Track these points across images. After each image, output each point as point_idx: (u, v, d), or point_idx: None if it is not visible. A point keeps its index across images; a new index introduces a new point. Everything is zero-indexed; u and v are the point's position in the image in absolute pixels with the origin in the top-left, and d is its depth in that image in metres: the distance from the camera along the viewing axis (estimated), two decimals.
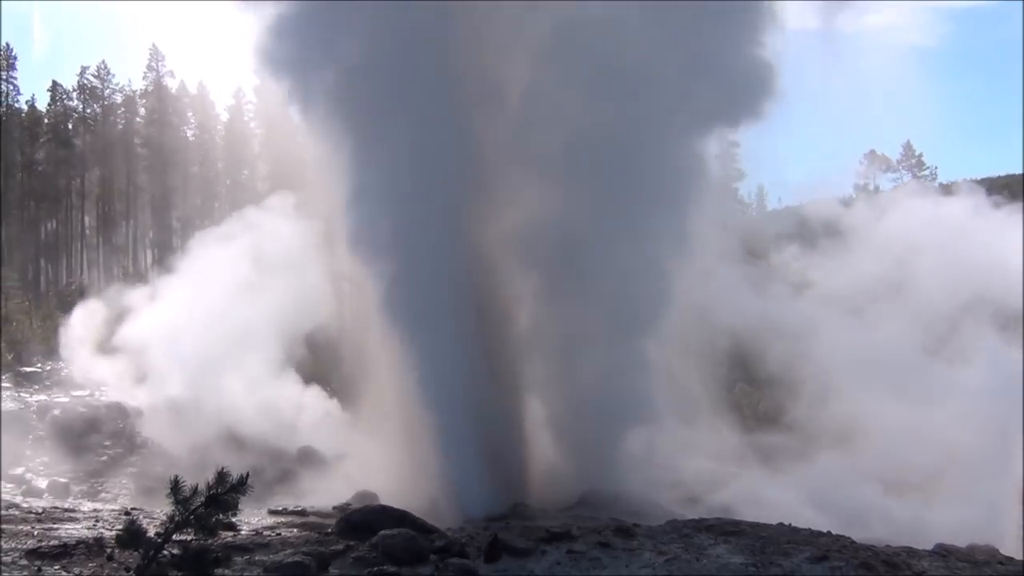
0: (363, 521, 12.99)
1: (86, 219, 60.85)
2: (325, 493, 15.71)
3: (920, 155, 61.75)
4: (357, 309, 17.69)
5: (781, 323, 20.72)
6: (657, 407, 16.70)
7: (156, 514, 12.46)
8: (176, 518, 6.06)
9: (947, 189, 22.89)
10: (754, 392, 25.00)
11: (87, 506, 15.84)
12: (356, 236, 16.63)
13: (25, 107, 60.09)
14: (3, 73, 58.03)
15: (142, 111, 62.51)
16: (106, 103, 61.14)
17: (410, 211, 15.94)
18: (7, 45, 58.52)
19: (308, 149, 18.11)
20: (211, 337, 20.81)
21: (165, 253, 25.81)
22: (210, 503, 6.10)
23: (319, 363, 22.25)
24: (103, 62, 61.33)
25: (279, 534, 13.17)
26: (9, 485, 16.33)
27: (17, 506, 15.33)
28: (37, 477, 16.86)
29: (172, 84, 62.79)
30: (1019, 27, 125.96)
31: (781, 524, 12.92)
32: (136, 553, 6.16)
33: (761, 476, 17.99)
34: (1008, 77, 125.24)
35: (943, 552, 12.52)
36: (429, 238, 15.96)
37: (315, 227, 19.06)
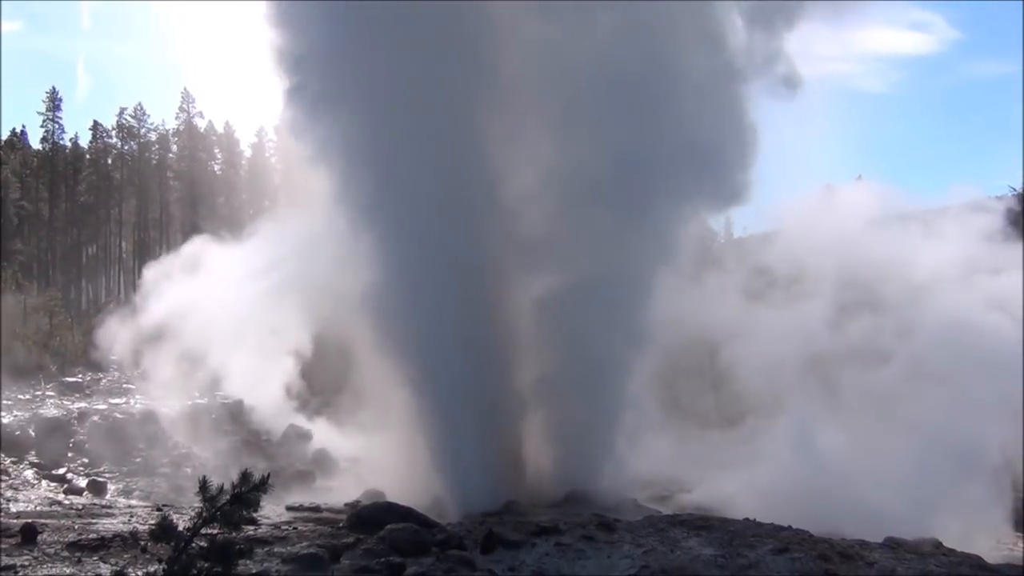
0: (371, 517, 12.97)
1: (123, 244, 60.92)
2: (337, 491, 15.69)
3: (872, 187, 61.70)
4: (362, 321, 17.60)
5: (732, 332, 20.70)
6: (637, 415, 16.69)
7: (185, 510, 12.40)
8: (204, 514, 6.03)
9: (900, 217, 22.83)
10: (718, 397, 24.88)
11: (123, 503, 15.78)
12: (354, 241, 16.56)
13: (69, 144, 60.16)
14: (50, 114, 58.13)
15: (174, 148, 62.60)
16: (142, 141, 61.23)
17: (405, 213, 15.87)
18: (53, 88, 58.59)
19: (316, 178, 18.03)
20: (234, 350, 20.80)
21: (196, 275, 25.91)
22: (234, 501, 6.08)
23: (330, 372, 22.20)
24: (139, 104, 61.51)
25: (296, 528, 13.14)
26: (53, 484, 16.28)
27: (60, 503, 15.29)
28: (78, 477, 16.79)
29: (201, 124, 62.94)
30: (961, 75, 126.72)
31: (747, 519, 12.92)
32: (167, 545, 6.11)
33: (726, 476, 17.92)
34: (951, 118, 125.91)
35: (892, 544, 12.50)
36: (427, 246, 15.83)
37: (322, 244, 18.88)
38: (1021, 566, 12.58)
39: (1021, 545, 16.67)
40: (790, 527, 12.39)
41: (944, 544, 12.79)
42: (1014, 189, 37.75)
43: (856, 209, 21.82)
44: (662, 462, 18.70)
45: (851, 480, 15.08)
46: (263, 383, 20.98)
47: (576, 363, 16.17)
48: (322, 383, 22.40)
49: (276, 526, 13.20)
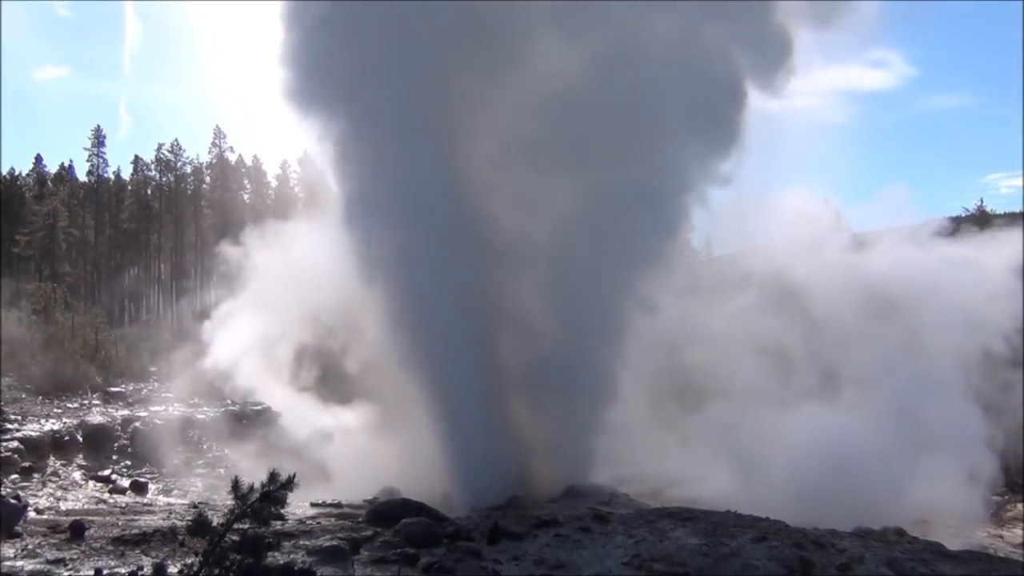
0: (388, 512, 12.95)
1: (162, 266, 61.00)
2: (356, 489, 15.61)
3: (837, 210, 62.00)
4: (378, 332, 17.59)
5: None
6: (626, 417, 16.68)
7: (219, 507, 12.39)
8: (236, 511, 6.03)
9: (857, 238, 22.93)
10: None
11: (162, 501, 15.76)
12: (367, 259, 16.54)
13: (112, 177, 60.45)
14: (95, 150, 58.36)
15: (208, 179, 62.83)
16: (178, 173, 61.46)
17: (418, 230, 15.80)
18: (98, 127, 59.12)
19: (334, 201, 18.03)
20: (261, 361, 20.82)
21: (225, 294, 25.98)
22: (264, 498, 6.08)
23: (349, 381, 22.19)
24: (176, 140, 61.91)
25: (319, 523, 13.11)
26: (98, 484, 16.24)
27: (105, 501, 15.27)
28: (121, 478, 16.75)
29: (232, 157, 63.23)
30: (916, 107, 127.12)
31: (728, 511, 12.87)
32: (203, 540, 6.11)
33: (709, 472, 17.87)
34: (907, 146, 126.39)
35: (861, 533, 12.48)
36: (438, 262, 15.80)
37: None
38: (977, 551, 12.52)
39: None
40: (768, 518, 12.35)
41: (908, 532, 12.80)
42: (967, 209, 37.80)
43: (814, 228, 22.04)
44: (651, 459, 18.69)
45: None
46: (289, 392, 20.98)
47: (567, 370, 16.14)
48: (344, 392, 22.37)
49: (301, 521, 13.18)
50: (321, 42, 16.21)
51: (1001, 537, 16.42)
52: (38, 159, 61.65)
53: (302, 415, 20.71)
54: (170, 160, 61.12)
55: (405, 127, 15.80)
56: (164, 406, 20.78)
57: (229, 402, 21.20)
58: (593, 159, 16.49)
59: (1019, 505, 18.76)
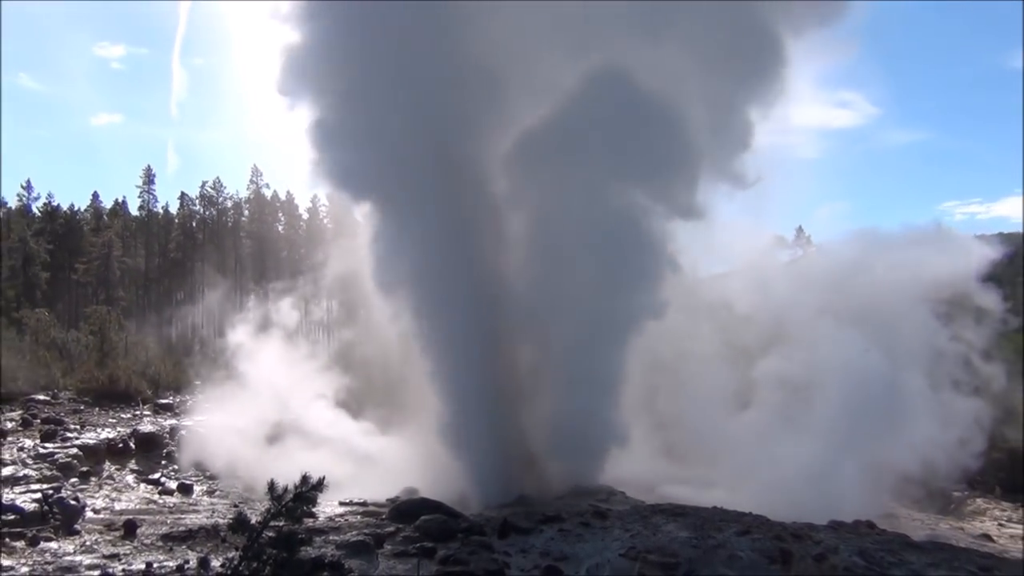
0: (408, 510, 12.91)
1: (205, 291, 61.18)
2: (380, 489, 15.56)
3: (809, 236, 62.07)
4: (398, 343, 17.57)
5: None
6: (625, 422, 16.55)
7: (257, 507, 12.37)
8: (272, 510, 6.03)
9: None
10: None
11: (206, 501, 15.72)
12: (386, 278, 16.51)
13: (161, 211, 60.83)
14: (145, 187, 58.76)
15: (246, 212, 63.19)
16: (220, 207, 61.89)
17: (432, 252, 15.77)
18: (148, 167, 59.95)
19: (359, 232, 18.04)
20: (292, 373, 20.77)
21: (262, 315, 26.12)
22: (296, 498, 6.08)
23: (374, 388, 22.16)
24: (218, 178, 62.52)
25: (347, 520, 13.08)
26: (149, 487, 16.21)
27: (155, 502, 15.24)
28: (169, 480, 16.72)
29: (268, 193, 63.58)
30: (877, 142, 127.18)
31: (715, 507, 12.82)
32: (242, 536, 6.10)
33: (697, 473, 17.79)
34: (869, 177, 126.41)
35: (835, 526, 12.42)
36: (450, 280, 15.78)
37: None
38: (940, 542, 12.43)
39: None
40: (751, 513, 12.29)
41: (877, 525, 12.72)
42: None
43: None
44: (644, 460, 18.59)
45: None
46: (321, 402, 20.91)
47: (572, 378, 16.07)
48: (370, 401, 22.32)
49: (331, 518, 13.14)
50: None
51: (962, 529, 16.33)
52: (95, 196, 62.27)
53: (332, 422, 20.63)
54: (213, 196, 61.58)
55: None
56: (208, 416, 20.76)
57: (266, 411, 21.17)
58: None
59: (977, 500, 18.69)
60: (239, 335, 21.68)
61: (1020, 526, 16.90)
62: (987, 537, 15.51)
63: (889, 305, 18.66)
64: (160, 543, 11.30)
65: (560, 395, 16.10)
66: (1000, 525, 16.96)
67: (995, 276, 21.00)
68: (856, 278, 19.62)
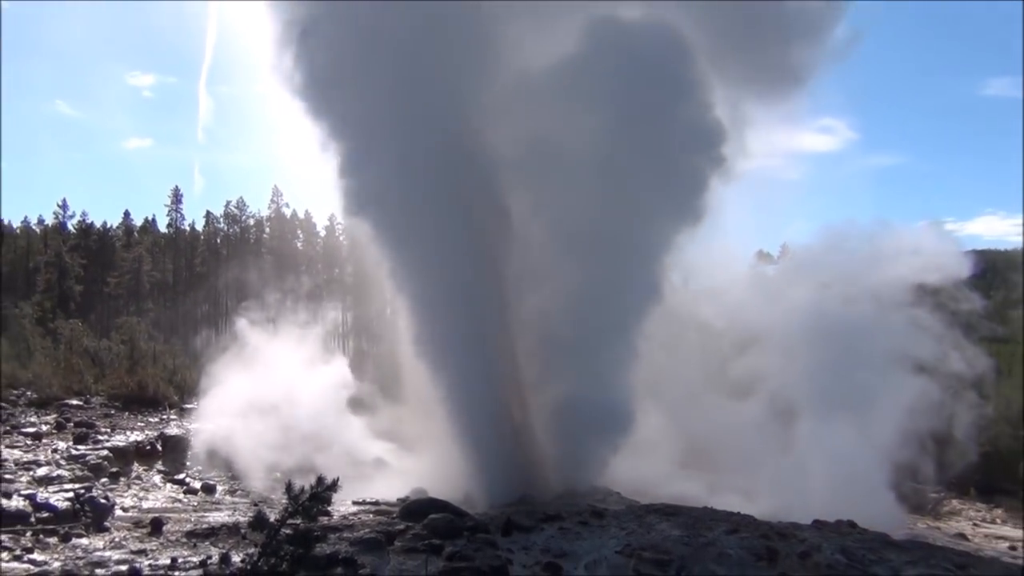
0: (418, 509, 12.87)
1: (228, 304, 61.21)
2: (391, 489, 15.53)
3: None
4: (405, 350, 17.50)
5: None
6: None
7: (276, 505, 12.33)
8: (289, 508, 6.02)
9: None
10: None
11: (228, 500, 15.68)
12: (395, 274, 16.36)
13: (188, 228, 60.97)
14: (173, 206, 58.96)
15: (267, 230, 63.20)
16: (243, 225, 61.89)
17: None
18: (176, 187, 60.14)
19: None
20: (310, 382, 20.71)
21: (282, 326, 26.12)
22: (312, 498, 6.06)
23: (384, 393, 22.11)
24: (241, 198, 62.43)
25: (359, 518, 13.04)
26: (174, 486, 16.18)
27: (180, 501, 15.21)
28: (194, 481, 16.69)
29: (288, 212, 63.60)
30: (856, 166, 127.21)
31: (705, 507, 12.78)
32: (262, 533, 6.09)
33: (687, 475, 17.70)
34: (849, 199, 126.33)
35: (818, 525, 12.35)
36: (457, 289, 15.62)
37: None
38: (920, 541, 12.36)
39: None
40: (739, 513, 12.24)
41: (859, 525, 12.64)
42: None
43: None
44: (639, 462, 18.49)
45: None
46: (336, 406, 20.85)
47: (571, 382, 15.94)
48: (384, 402, 22.28)
49: (344, 517, 13.10)
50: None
51: (939, 529, 16.25)
52: (126, 214, 62.45)
53: (345, 426, 20.57)
54: (236, 214, 61.63)
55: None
56: (230, 420, 20.71)
57: (284, 416, 21.09)
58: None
59: (953, 501, 18.60)
60: (257, 342, 21.59)
61: (994, 526, 16.82)
62: (963, 536, 15.43)
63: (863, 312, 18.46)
64: (184, 540, 11.27)
65: (566, 383, 15.88)
66: (975, 525, 16.86)
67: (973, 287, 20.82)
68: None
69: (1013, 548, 14.53)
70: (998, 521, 17.23)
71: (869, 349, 17.43)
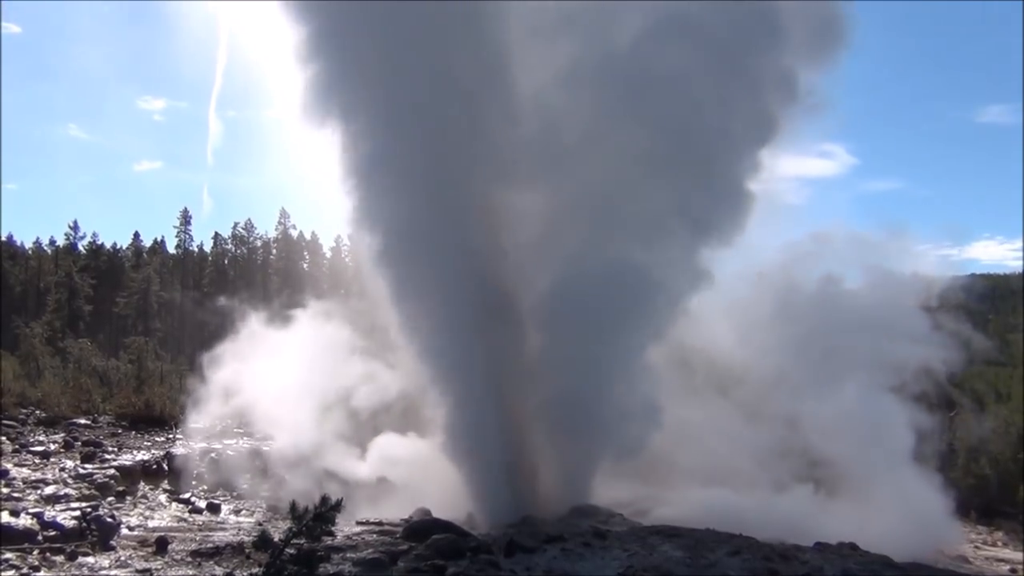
0: (421, 529, 12.79)
1: (236, 323, 61.24)
2: (395, 509, 15.44)
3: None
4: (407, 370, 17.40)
5: None
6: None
7: (280, 525, 12.29)
8: (293, 529, 5.99)
9: None
10: None
11: (233, 520, 15.62)
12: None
13: (196, 249, 61.20)
14: (182, 227, 59.20)
15: (274, 251, 63.48)
16: (250, 246, 62.21)
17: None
18: (185, 209, 60.46)
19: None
20: (312, 402, 20.63)
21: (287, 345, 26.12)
22: (316, 518, 6.03)
23: (388, 412, 22.00)
24: (248, 219, 63.00)
25: (363, 538, 12.95)
26: (180, 505, 16.12)
27: (185, 520, 15.16)
28: (199, 500, 16.62)
29: (294, 233, 63.89)
30: (856, 190, 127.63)
31: (708, 529, 12.68)
32: (265, 553, 6.07)
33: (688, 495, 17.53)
34: (847, 221, 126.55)
35: (820, 548, 12.24)
36: (460, 305, 15.36)
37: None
38: (920, 564, 12.25)
39: None
40: (741, 535, 12.16)
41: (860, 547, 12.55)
42: None
43: None
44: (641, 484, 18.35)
45: None
46: (338, 428, 20.76)
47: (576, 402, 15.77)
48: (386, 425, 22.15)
49: (348, 537, 13.00)
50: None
51: (940, 551, 16.09)
52: (136, 235, 62.90)
53: (348, 447, 20.49)
54: (244, 236, 62.13)
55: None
56: (235, 440, 20.70)
57: (288, 437, 20.99)
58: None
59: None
60: (261, 363, 21.53)
61: (994, 548, 16.70)
62: (964, 559, 15.30)
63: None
64: (189, 559, 11.21)
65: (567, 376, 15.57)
66: (976, 547, 16.73)
67: (970, 311, 20.78)
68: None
69: (1014, 571, 14.45)
70: (999, 544, 17.12)
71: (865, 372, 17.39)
